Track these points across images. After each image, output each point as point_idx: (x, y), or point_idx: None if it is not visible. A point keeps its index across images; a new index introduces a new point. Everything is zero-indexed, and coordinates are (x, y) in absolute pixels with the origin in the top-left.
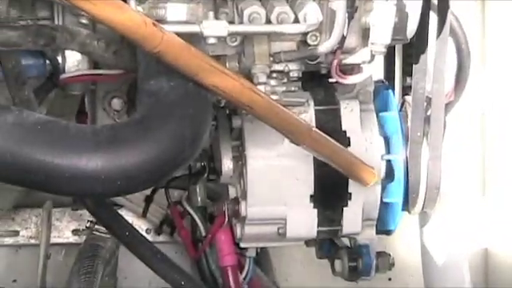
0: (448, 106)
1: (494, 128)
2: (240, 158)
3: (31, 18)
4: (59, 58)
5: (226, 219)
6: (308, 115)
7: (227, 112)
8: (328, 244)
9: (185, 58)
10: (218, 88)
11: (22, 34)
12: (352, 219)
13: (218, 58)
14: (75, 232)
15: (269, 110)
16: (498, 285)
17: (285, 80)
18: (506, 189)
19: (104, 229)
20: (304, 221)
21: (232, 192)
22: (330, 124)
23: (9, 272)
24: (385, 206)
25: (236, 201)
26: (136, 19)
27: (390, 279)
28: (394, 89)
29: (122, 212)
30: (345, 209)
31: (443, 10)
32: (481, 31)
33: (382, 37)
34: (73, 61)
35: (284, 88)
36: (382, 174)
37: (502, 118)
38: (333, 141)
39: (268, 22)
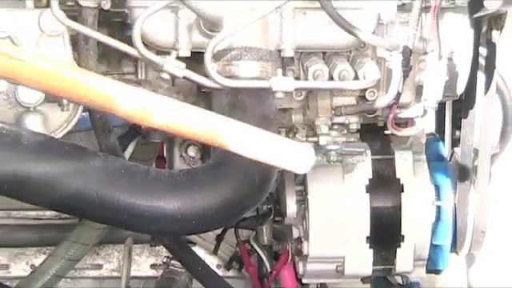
0: (493, 157)
1: None
2: (303, 202)
3: (117, 73)
4: None
5: (290, 257)
6: (365, 164)
7: None
8: (382, 281)
9: None
10: None
11: None
12: (404, 259)
13: (284, 110)
14: (153, 266)
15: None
16: None
17: (345, 131)
18: None
19: (179, 264)
20: (361, 260)
21: (295, 232)
22: (386, 172)
23: None
24: (434, 248)
25: (299, 240)
26: None
27: None
28: (444, 141)
29: (196, 249)
30: (398, 249)
31: (490, 70)
32: None
33: (433, 93)
34: None
35: (344, 139)
36: (433, 218)
37: None
38: None
39: (330, 78)
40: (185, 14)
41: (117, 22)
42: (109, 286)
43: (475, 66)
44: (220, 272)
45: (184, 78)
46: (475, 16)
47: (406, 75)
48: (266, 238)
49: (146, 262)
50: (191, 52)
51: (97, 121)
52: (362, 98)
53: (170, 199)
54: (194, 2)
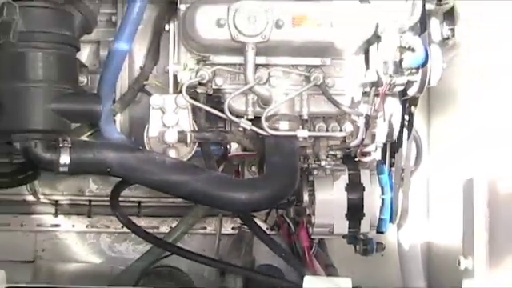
0: (412, 173)
1: (433, 179)
2: (312, 195)
3: (216, 127)
4: (228, 146)
5: (305, 224)
6: (345, 176)
7: (306, 173)
8: (353, 237)
9: None
10: None
11: (210, 135)
12: (365, 226)
13: (302, 147)
14: (233, 228)
15: None
16: (436, 263)
17: (334, 159)
18: (440, 211)
19: (246, 227)
20: (342, 226)
21: (308, 211)
22: (355, 180)
23: (202, 246)
24: (380, 220)
25: (309, 216)
26: None
27: (382, 255)
28: (385, 163)
29: (255, 219)
30: (361, 221)
31: (410, 127)
32: (426, 139)
33: (381, 139)
34: (234, 147)
35: (333, 163)
36: (379, 204)
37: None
38: None
39: (327, 130)
40: (251, 96)
41: (216, 101)
42: (209, 238)
43: (402, 124)
44: (268, 231)
45: (250, 129)
46: (403, 98)
47: (366, 129)
48: (292, 213)
49: (229, 226)
50: (254, 116)
51: (205, 152)
52: (343, 141)
53: (242, 193)
54: (257, 91)
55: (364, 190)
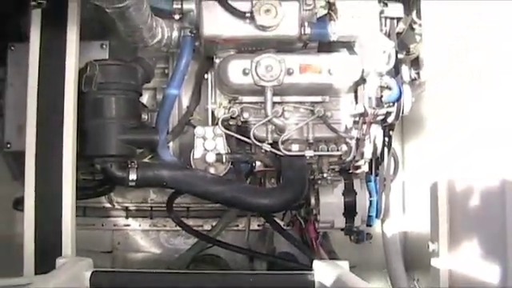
0: (391, 180)
1: (407, 185)
2: (317, 199)
3: (244, 149)
4: (253, 164)
5: (312, 220)
6: (341, 184)
7: (312, 182)
8: (349, 229)
9: None
10: None
11: (240, 156)
12: (357, 221)
13: (309, 163)
14: (258, 225)
15: None
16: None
17: (333, 171)
18: (413, 208)
19: (268, 224)
20: (340, 222)
21: (314, 211)
22: (349, 187)
23: (235, 239)
24: (369, 216)
25: (316, 214)
26: None
27: (370, 242)
28: (372, 174)
29: (275, 218)
30: (355, 217)
31: (389, 146)
32: (401, 154)
33: (368, 155)
34: (258, 164)
35: (333, 175)
36: (368, 204)
37: (409, 183)
38: None
39: (327, 150)
40: (270, 126)
41: (244, 130)
42: (240, 234)
43: (383, 144)
44: (284, 227)
45: (270, 151)
46: (383, 125)
47: (357, 148)
48: (302, 213)
49: (255, 223)
50: (272, 141)
51: (236, 169)
52: (340, 158)
53: (265, 199)
54: (274, 122)
55: (356, 194)
